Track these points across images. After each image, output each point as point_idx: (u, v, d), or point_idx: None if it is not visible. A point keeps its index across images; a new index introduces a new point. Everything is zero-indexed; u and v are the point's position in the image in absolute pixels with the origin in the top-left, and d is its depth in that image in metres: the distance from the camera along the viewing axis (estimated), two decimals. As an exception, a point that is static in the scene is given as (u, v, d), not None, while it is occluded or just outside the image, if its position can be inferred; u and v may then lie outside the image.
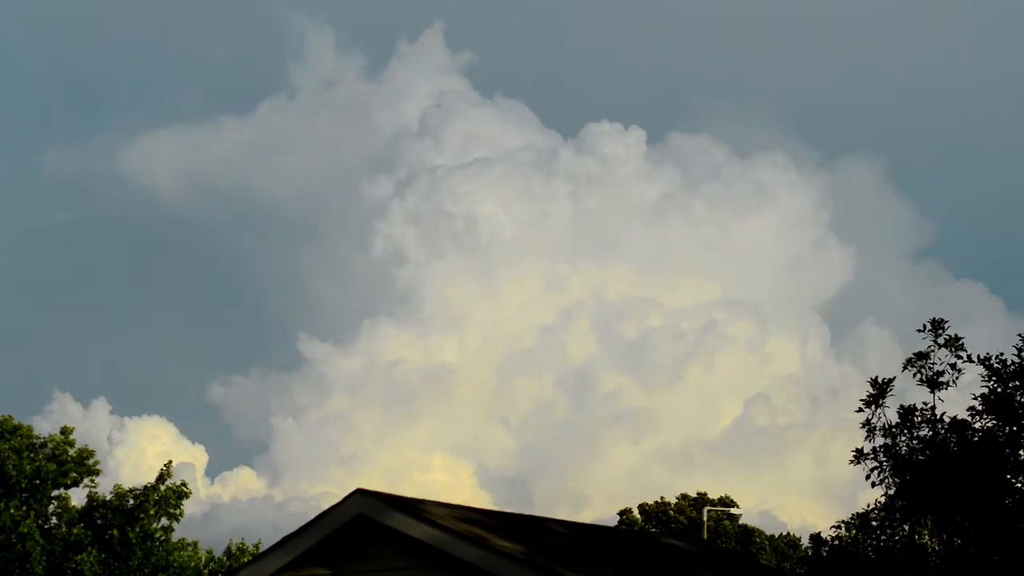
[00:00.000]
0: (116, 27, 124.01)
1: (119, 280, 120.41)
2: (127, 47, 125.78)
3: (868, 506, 17.13)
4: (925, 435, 17.03)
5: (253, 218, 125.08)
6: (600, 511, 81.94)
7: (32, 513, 42.23)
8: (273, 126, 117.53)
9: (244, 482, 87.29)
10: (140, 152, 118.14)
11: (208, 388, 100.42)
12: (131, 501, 42.71)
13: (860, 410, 17.28)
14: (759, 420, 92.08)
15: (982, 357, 16.99)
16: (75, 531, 41.98)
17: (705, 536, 60.72)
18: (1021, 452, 16.72)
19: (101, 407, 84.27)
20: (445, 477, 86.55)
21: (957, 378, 17.16)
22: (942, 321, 17.32)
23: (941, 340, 17.25)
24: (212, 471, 79.98)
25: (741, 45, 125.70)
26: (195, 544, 44.64)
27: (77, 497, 44.14)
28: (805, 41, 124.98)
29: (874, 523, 17.04)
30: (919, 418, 17.09)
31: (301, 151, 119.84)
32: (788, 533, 72.39)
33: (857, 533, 17.10)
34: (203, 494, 77.42)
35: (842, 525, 17.30)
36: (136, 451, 76.32)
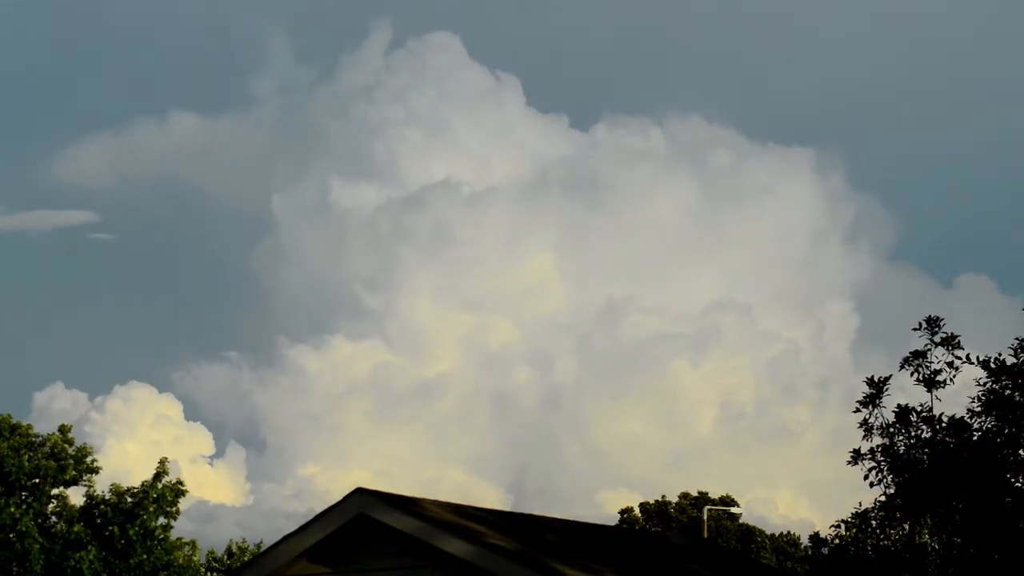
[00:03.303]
0: (76, 26, 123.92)
1: (83, 279, 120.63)
2: (83, 47, 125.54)
3: (860, 504, 17.12)
4: (923, 434, 17.01)
5: (213, 219, 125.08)
6: (597, 510, 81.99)
7: (31, 511, 42.22)
8: (233, 130, 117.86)
9: (226, 479, 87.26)
10: (91, 154, 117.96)
11: (183, 386, 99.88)
12: (130, 499, 42.68)
13: (857, 410, 17.25)
14: (751, 419, 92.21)
15: (982, 359, 16.97)
16: (75, 529, 41.96)
17: (705, 535, 60.71)
18: (1021, 452, 16.71)
19: (79, 399, 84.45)
20: (438, 478, 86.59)
21: (954, 376, 17.13)
22: (938, 319, 17.29)
23: (937, 339, 17.22)
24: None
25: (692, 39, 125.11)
26: (194, 543, 44.64)
27: (76, 495, 44.21)
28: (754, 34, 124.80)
29: (874, 523, 17.03)
30: (916, 418, 17.06)
31: (264, 153, 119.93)
32: (788, 532, 72.47)
33: (857, 532, 17.08)
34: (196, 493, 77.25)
35: (841, 524, 17.27)
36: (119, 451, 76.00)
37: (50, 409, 79.66)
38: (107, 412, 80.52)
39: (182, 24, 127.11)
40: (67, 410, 79.22)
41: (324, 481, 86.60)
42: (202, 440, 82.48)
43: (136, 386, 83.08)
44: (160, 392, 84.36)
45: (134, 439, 77.76)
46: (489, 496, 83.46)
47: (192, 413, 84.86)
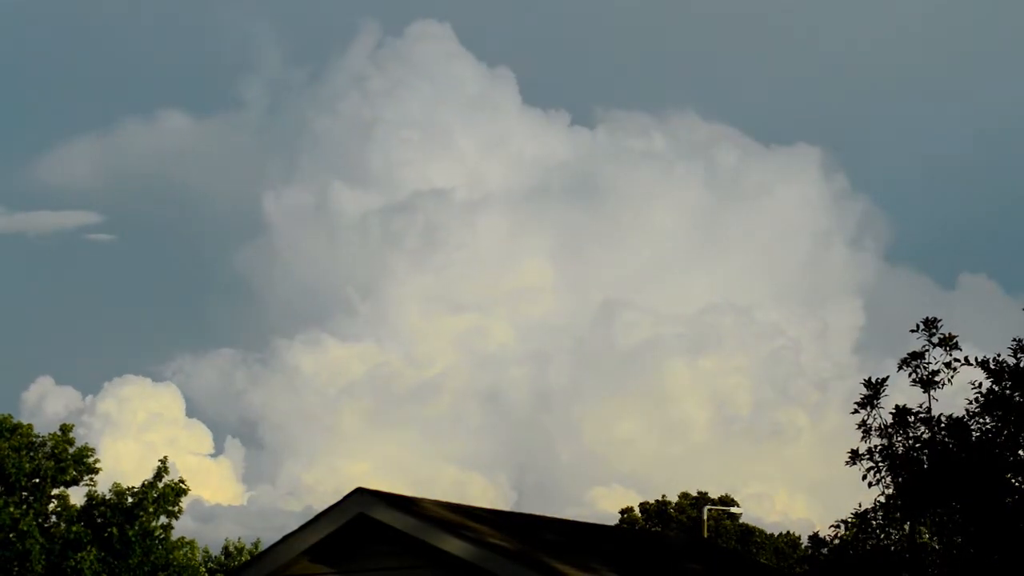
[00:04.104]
0: (72, 28, 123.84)
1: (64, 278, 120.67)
2: (68, 49, 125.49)
3: (860, 505, 17.14)
4: (921, 435, 17.03)
5: (212, 219, 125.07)
6: (593, 509, 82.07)
7: (32, 512, 42.22)
8: (226, 130, 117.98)
9: (222, 478, 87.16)
10: (80, 155, 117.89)
11: (179, 385, 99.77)
12: (130, 499, 42.68)
13: (855, 411, 17.28)
14: (754, 418, 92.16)
15: (980, 359, 16.99)
16: (74, 529, 41.95)
17: (705, 535, 60.71)
18: (1020, 452, 16.73)
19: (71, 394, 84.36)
20: (434, 477, 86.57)
21: (952, 377, 17.14)
22: (935, 320, 17.32)
23: (935, 340, 17.24)
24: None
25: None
26: (193, 543, 44.66)
27: (77, 496, 44.22)
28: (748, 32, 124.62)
29: (873, 523, 17.05)
30: (913, 419, 17.08)
31: (259, 153, 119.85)
32: (788, 532, 72.47)
33: (856, 532, 17.10)
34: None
35: (841, 525, 17.30)
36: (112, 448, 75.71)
37: (42, 408, 79.74)
38: (101, 411, 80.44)
39: (175, 25, 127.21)
40: (60, 411, 79.22)
41: (321, 480, 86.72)
42: (198, 439, 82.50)
43: (131, 385, 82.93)
44: (155, 391, 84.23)
45: (128, 438, 77.72)
46: (486, 495, 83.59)
47: (188, 412, 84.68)
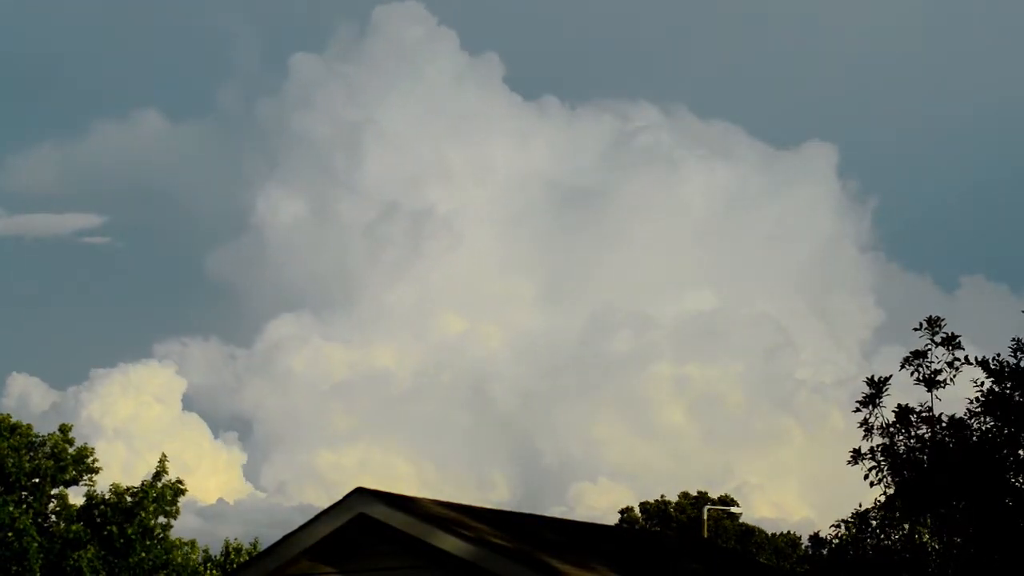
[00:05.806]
0: (42, 29, 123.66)
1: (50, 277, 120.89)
2: (50, 50, 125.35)
3: (861, 505, 17.14)
4: (923, 434, 17.03)
5: (209, 220, 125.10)
6: (590, 509, 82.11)
7: (31, 511, 42.22)
8: (212, 133, 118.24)
9: (217, 476, 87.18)
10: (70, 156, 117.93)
11: (173, 384, 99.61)
12: (129, 499, 42.71)
13: (857, 410, 17.28)
14: (757, 417, 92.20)
15: (980, 358, 17.00)
16: (74, 528, 41.95)
17: (705, 535, 60.73)
18: (1020, 452, 16.73)
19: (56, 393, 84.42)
20: (429, 478, 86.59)
21: (955, 376, 17.16)
22: (939, 319, 17.33)
23: (938, 339, 17.25)
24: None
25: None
26: (193, 542, 44.69)
27: (76, 495, 44.22)
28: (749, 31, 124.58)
29: (873, 522, 17.05)
30: (916, 418, 17.09)
31: (249, 154, 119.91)
32: (788, 532, 72.49)
33: (856, 532, 17.11)
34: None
35: (841, 524, 17.30)
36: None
37: (28, 406, 79.72)
38: (95, 409, 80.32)
39: (167, 28, 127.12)
40: (47, 408, 79.15)
41: (316, 480, 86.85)
42: (192, 438, 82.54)
43: (125, 383, 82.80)
44: (151, 390, 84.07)
45: (123, 437, 77.69)
46: (483, 495, 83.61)
47: (183, 409, 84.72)
